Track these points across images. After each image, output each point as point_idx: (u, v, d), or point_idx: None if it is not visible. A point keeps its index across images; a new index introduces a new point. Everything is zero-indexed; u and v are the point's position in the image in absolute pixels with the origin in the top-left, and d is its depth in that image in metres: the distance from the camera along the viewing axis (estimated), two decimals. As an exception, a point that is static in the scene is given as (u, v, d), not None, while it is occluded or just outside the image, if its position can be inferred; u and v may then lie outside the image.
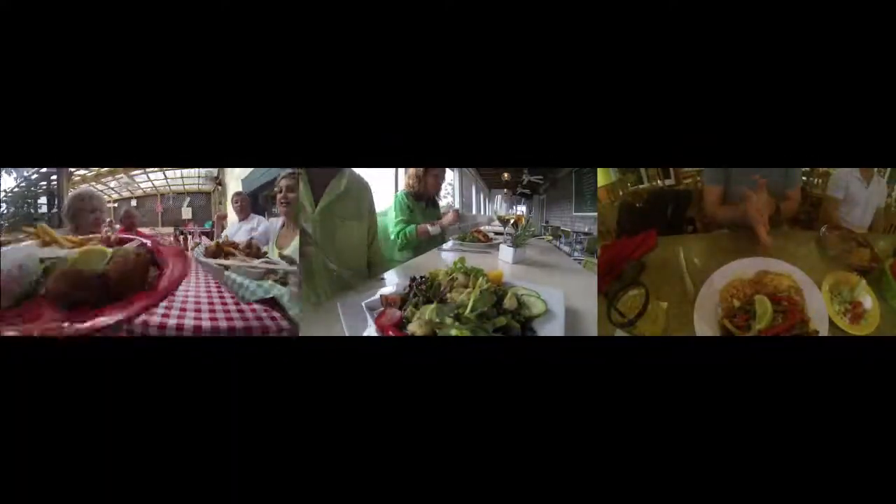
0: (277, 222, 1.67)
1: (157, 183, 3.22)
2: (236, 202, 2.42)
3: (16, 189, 2.27)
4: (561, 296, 1.01)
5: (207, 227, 3.21)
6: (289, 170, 1.57)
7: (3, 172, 2.07)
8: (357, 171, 1.57)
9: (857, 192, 1.53)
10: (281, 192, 1.56)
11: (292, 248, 1.42)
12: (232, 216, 2.48)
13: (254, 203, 2.71)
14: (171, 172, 3.23)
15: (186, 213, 3.25)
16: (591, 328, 0.99)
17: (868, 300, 0.99)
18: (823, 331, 0.95)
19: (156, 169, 3.10)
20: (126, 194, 3.10)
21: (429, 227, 2.16)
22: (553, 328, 0.90)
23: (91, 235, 1.38)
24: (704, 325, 0.99)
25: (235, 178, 3.12)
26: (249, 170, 2.84)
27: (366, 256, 1.62)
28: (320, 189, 1.42)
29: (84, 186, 1.96)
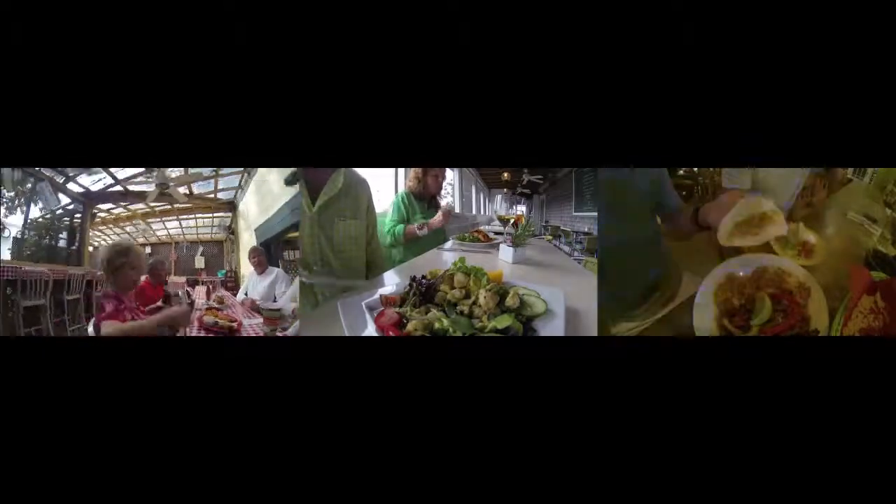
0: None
1: (171, 231, 3.23)
2: (253, 258, 2.40)
3: (40, 220, 2.26)
4: (561, 295, 1.01)
5: (220, 275, 3.21)
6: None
7: (31, 203, 2.07)
8: (355, 169, 1.57)
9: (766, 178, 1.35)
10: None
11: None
12: (250, 268, 2.47)
13: (268, 254, 2.61)
14: (185, 221, 3.23)
15: (199, 262, 3.30)
16: (591, 328, 0.99)
17: (811, 237, 1.14)
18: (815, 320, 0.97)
19: (172, 217, 3.11)
20: (141, 240, 3.06)
21: (416, 229, 2.12)
22: (554, 328, 0.90)
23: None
24: (703, 325, 0.99)
25: (248, 228, 3.11)
26: (263, 219, 2.83)
27: (364, 255, 1.62)
28: (317, 188, 1.42)
29: (126, 239, 1.85)
